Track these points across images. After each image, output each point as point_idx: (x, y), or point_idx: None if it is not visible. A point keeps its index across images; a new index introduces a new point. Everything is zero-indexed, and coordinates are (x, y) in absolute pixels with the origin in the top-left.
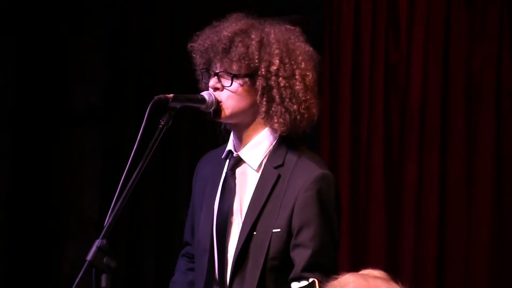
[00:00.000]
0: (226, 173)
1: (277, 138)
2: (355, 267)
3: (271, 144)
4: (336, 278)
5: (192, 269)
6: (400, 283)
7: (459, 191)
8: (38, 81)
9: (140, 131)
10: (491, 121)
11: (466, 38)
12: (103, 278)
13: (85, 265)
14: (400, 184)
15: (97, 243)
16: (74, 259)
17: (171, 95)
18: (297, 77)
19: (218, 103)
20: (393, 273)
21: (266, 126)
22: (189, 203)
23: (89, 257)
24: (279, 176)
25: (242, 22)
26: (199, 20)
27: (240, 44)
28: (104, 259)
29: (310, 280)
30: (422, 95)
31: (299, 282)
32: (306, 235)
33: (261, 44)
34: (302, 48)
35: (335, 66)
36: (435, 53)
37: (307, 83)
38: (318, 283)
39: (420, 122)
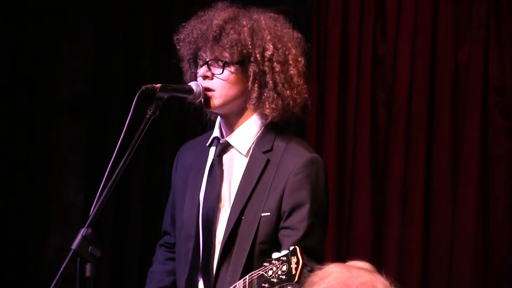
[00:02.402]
0: (212, 159)
1: (265, 124)
2: (340, 257)
3: (259, 130)
4: (321, 268)
5: (171, 259)
6: (384, 275)
7: (445, 182)
8: (23, 68)
9: (127, 120)
10: (477, 114)
11: (453, 31)
12: (88, 267)
13: (70, 254)
14: (386, 175)
15: (82, 232)
16: (59, 247)
17: (159, 85)
18: (290, 62)
19: (206, 93)
20: (378, 262)
21: (255, 113)
22: (169, 193)
23: (74, 246)
24: (268, 161)
25: (230, 10)
26: (185, 7)
27: (231, 31)
28: (89, 248)
29: (291, 248)
30: (409, 86)
31: (279, 252)
32: (296, 218)
33: (252, 30)
34: (290, 34)
35: (323, 57)
36: (422, 45)
37: (300, 69)
38: (300, 250)
39: (406, 113)
